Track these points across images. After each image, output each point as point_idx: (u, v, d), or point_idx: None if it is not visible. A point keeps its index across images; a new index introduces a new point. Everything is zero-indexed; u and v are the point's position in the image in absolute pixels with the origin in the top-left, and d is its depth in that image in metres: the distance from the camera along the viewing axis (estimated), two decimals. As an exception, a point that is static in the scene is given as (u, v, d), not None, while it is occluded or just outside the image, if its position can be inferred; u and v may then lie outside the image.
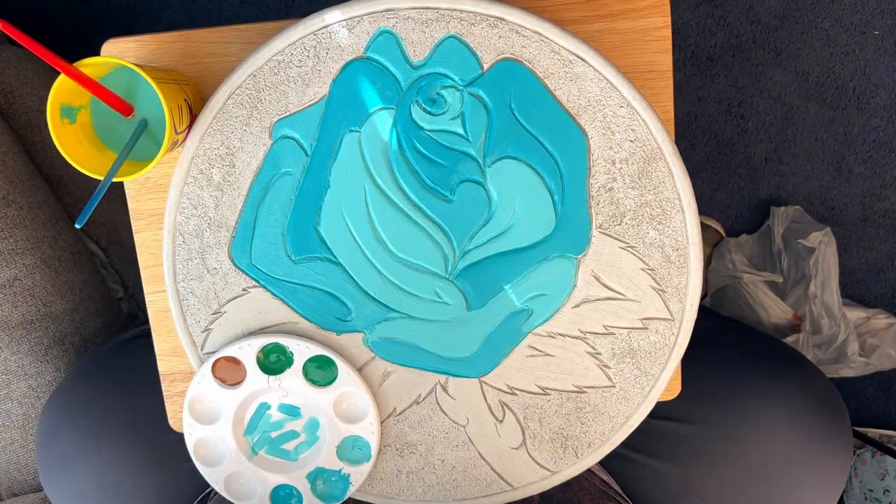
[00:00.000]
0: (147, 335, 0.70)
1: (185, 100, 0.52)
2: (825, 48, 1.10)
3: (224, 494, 0.58)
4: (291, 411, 0.58)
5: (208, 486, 0.59)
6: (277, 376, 0.56)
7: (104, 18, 1.14)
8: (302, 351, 0.56)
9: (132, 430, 0.67)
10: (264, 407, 0.58)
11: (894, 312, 1.15)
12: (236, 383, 0.57)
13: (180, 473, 0.68)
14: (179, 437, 0.65)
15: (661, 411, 0.62)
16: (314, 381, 0.57)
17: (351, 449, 0.58)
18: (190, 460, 0.67)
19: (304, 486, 0.58)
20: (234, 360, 0.56)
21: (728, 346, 0.71)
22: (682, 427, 0.66)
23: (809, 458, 0.64)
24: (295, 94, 0.54)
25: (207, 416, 0.58)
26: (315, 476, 0.58)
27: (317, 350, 0.56)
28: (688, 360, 0.59)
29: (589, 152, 0.55)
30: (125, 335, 0.76)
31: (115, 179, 0.48)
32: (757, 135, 1.14)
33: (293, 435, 0.58)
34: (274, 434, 0.58)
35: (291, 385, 0.57)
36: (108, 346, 0.75)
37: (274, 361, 0.56)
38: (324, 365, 0.57)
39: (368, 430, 0.57)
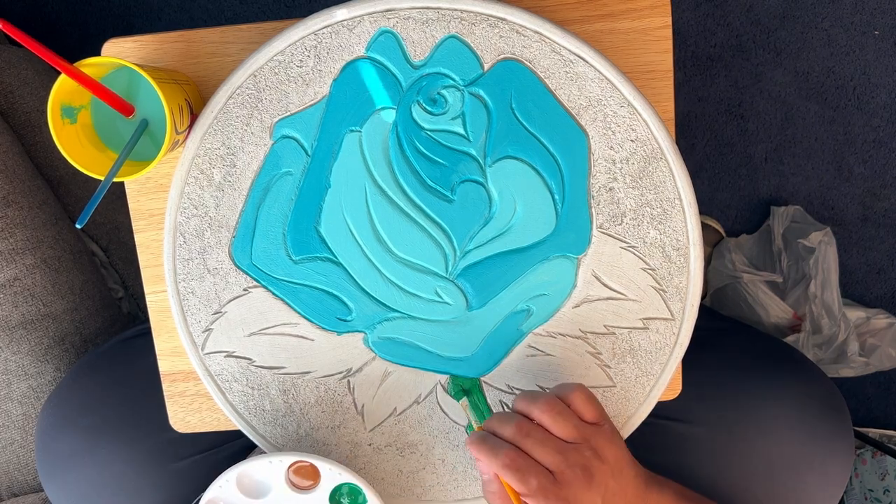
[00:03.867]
0: (146, 334, 0.70)
1: (186, 100, 0.52)
2: (825, 48, 1.10)
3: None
4: None
5: (208, 484, 0.59)
6: None
7: (104, 18, 1.14)
8: None
9: (131, 429, 0.67)
10: None
11: (894, 312, 1.15)
12: (309, 487, 0.57)
13: (180, 472, 0.68)
14: (178, 436, 0.65)
15: (662, 411, 0.62)
16: None
17: None
18: (189, 458, 0.67)
19: None
20: (311, 467, 0.57)
21: (730, 346, 0.71)
22: (683, 427, 0.66)
23: (812, 458, 0.64)
24: (296, 94, 0.54)
25: (255, 490, 0.58)
26: None
27: None
28: (689, 361, 0.59)
29: (589, 152, 0.55)
30: (124, 334, 0.76)
31: (115, 179, 0.48)
32: (757, 135, 1.14)
33: None
34: None
35: None
36: (107, 346, 0.75)
37: (347, 494, 0.57)
38: None
39: None
